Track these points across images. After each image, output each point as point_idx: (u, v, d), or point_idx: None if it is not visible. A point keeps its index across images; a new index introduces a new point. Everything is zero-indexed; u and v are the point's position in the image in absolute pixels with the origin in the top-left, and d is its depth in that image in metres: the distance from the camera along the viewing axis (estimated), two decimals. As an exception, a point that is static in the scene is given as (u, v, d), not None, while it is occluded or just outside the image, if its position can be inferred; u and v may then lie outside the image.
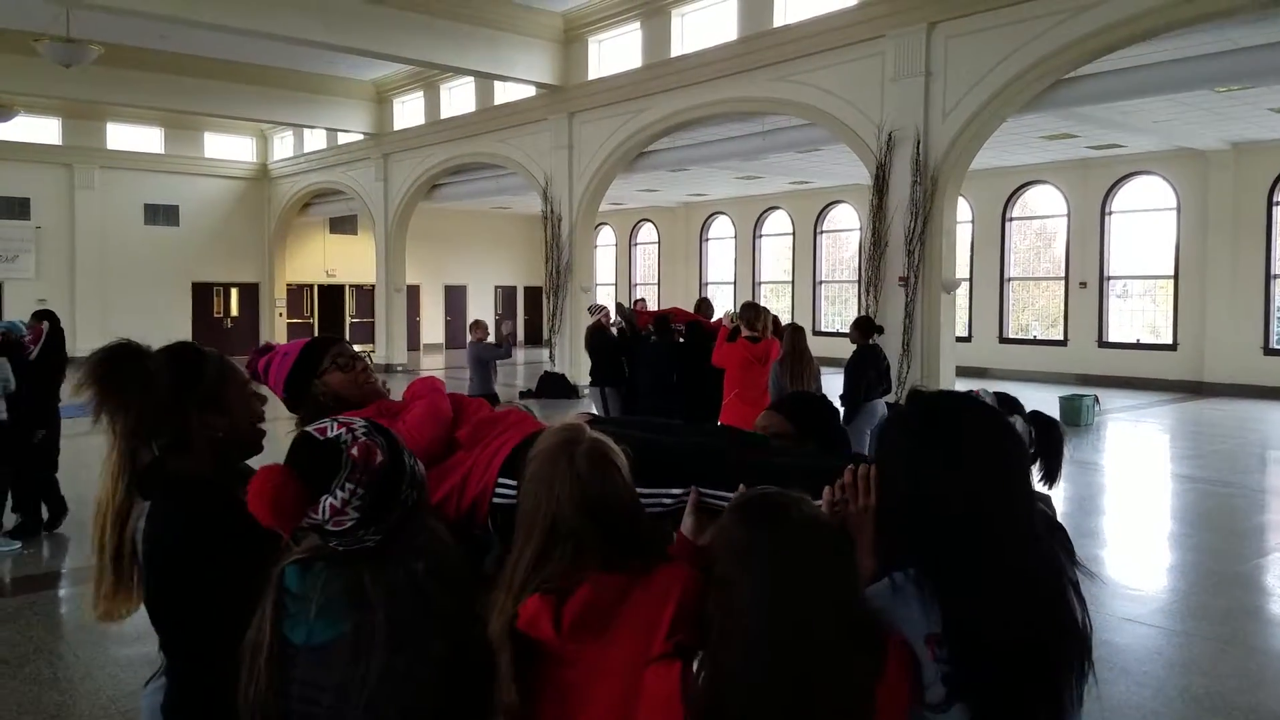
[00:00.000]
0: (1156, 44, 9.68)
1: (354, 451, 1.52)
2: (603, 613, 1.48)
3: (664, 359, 9.05)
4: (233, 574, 1.68)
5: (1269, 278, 15.88)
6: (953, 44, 10.90)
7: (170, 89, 18.18)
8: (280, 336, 25.52)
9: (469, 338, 10.56)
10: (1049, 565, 1.50)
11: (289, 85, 19.21)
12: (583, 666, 1.50)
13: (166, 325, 23.40)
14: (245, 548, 1.65)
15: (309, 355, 2.32)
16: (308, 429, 1.59)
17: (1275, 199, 15.81)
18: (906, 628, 1.41)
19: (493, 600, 1.54)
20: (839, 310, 22.31)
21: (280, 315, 25.62)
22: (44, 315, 7.20)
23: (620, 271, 28.03)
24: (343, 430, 1.56)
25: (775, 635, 1.31)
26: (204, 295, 24.58)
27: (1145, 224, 17.53)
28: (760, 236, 24.05)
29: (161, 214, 23.70)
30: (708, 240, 25.65)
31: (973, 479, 1.42)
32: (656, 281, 26.79)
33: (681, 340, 9.14)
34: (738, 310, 8.36)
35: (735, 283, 24.35)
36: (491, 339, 10.41)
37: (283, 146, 25.15)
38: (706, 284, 25.55)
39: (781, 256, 23.76)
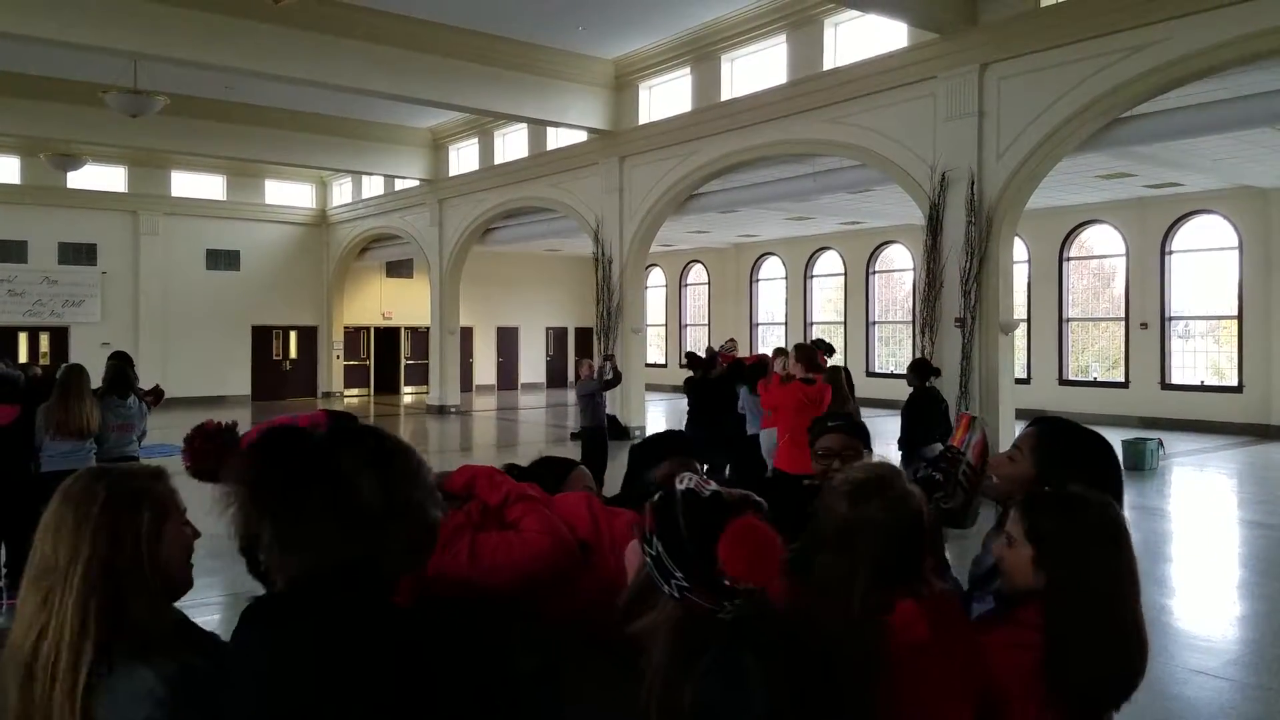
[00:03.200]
0: (1214, 82, 9.55)
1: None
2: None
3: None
4: None
5: (1339, 317, 15.40)
6: (1006, 84, 10.87)
7: (233, 138, 18.80)
8: (338, 378, 26.02)
9: (577, 377, 11.74)
10: None
11: (348, 133, 19.78)
12: (936, 653, 1.72)
13: (227, 368, 24.03)
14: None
15: None
16: (695, 488, 1.48)
17: (1344, 237, 15.38)
18: None
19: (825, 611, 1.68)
20: (893, 351, 22.09)
21: (338, 357, 26.09)
22: (117, 355, 7.41)
23: (671, 312, 28.12)
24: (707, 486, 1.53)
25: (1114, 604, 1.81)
26: (263, 338, 25.15)
27: (1206, 263, 17.14)
28: (811, 277, 23.98)
29: (223, 259, 24.39)
30: (758, 281, 25.66)
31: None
32: (707, 322, 26.82)
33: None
34: (791, 351, 8.32)
35: (786, 323, 24.27)
36: (596, 375, 11.38)
37: (341, 192, 25.81)
38: (757, 325, 25.52)
39: (834, 297, 23.66)
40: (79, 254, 22.49)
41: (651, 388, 21.43)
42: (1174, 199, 16.77)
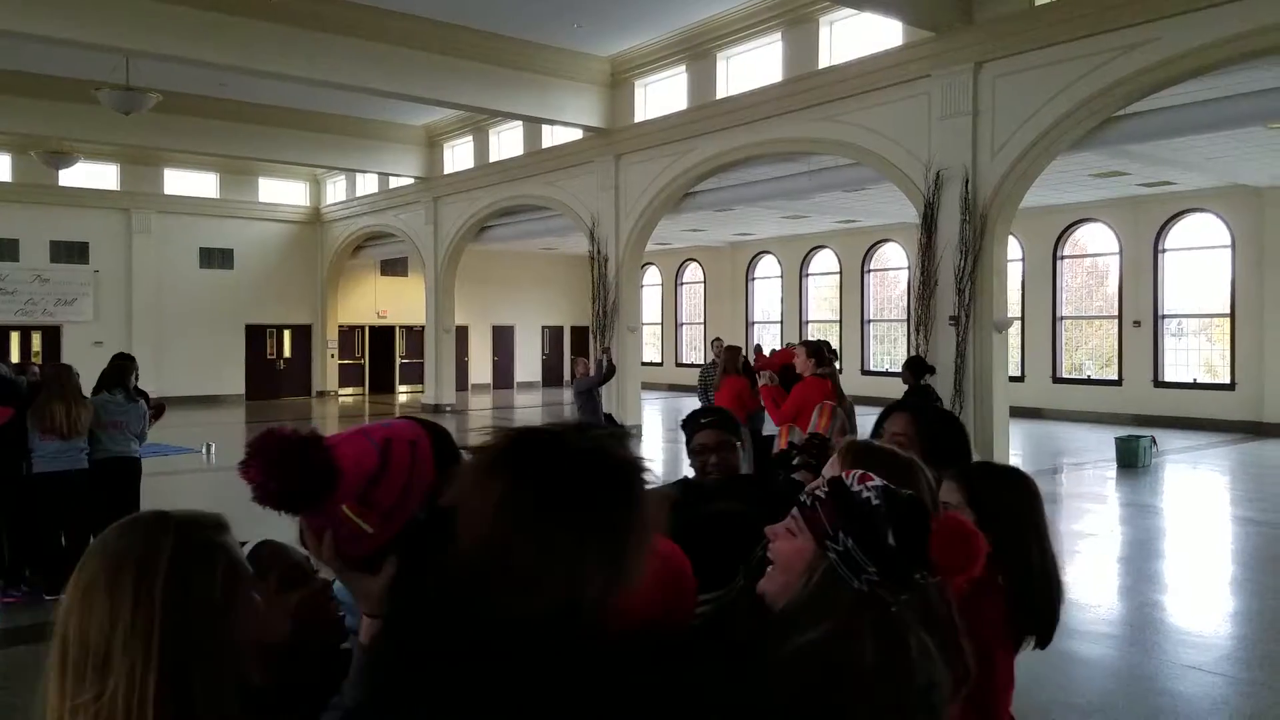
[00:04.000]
0: (1207, 80, 9.58)
1: None
2: None
3: None
4: None
5: (1331, 315, 15.48)
6: (1000, 83, 10.89)
7: (226, 135, 18.76)
8: (332, 377, 25.98)
9: (573, 375, 12.03)
10: None
11: (342, 131, 19.76)
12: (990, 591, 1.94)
13: (221, 367, 23.97)
14: None
15: None
16: (885, 486, 1.48)
17: (1336, 235, 15.46)
18: None
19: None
20: (888, 350, 22.13)
21: (332, 356, 26.06)
22: (121, 356, 7.37)
23: (667, 311, 28.14)
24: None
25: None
26: (258, 336, 25.10)
27: (1199, 261, 17.21)
28: (807, 275, 24.02)
29: (216, 257, 24.34)
30: (754, 279, 25.68)
31: None
32: (703, 321, 26.84)
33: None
34: (800, 349, 8.25)
35: (782, 322, 24.30)
36: (592, 371, 11.54)
37: (335, 190, 25.77)
38: (753, 323, 25.55)
39: (829, 295, 23.70)
40: (71, 252, 22.42)
41: (648, 386, 21.44)
42: (1167, 197, 16.83)
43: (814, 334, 22.86)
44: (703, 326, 26.63)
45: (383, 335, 27.06)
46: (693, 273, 27.55)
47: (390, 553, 1.28)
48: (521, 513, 1.11)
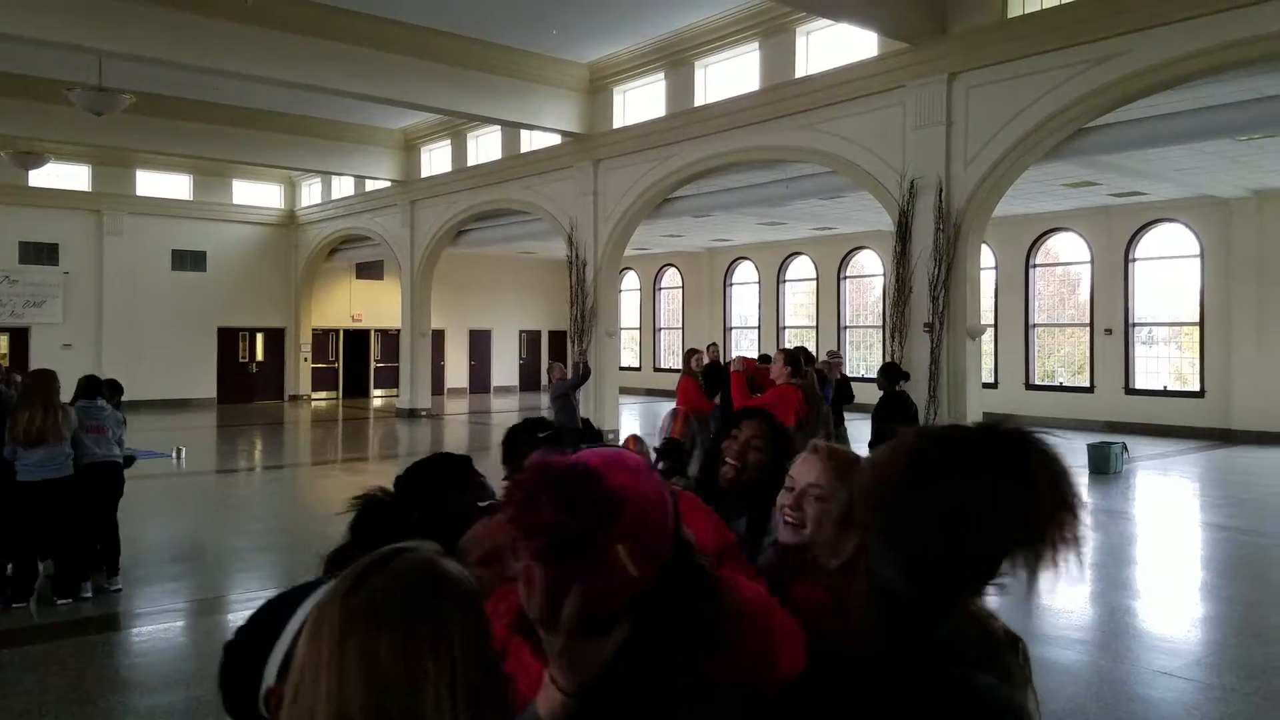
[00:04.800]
0: (1177, 93, 9.75)
1: None
2: None
3: None
4: None
5: (1296, 324, 15.76)
6: (974, 94, 11.02)
7: (200, 137, 18.58)
8: (306, 381, 25.78)
9: (550, 380, 12.01)
10: None
11: (318, 133, 19.64)
12: None
13: (192, 370, 23.73)
14: None
15: None
16: None
17: (1301, 246, 15.75)
18: None
19: None
20: (864, 355, 22.27)
21: (306, 360, 25.86)
22: (87, 379, 7.25)
23: (645, 316, 28.18)
24: None
25: None
26: (230, 340, 24.86)
27: (1169, 271, 17.47)
28: (784, 282, 24.15)
29: (189, 260, 24.09)
30: (731, 285, 25.78)
31: None
32: (681, 326, 26.90)
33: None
34: (784, 356, 8.28)
35: (760, 327, 24.41)
36: (570, 376, 11.67)
37: (310, 193, 25.59)
38: (731, 329, 25.64)
39: (805, 302, 23.83)
40: (40, 253, 22.10)
41: (626, 391, 21.42)
42: (1137, 208, 17.07)
43: (791, 340, 23.02)
44: (681, 331, 26.69)
45: (357, 339, 26.89)
46: (671, 278, 27.61)
47: (628, 610, 1.08)
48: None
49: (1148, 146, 11.00)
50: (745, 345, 23.97)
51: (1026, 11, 10.69)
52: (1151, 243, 17.58)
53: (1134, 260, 17.70)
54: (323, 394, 26.19)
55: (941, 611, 1.11)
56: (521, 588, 1.08)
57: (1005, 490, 1.05)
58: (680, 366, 11.79)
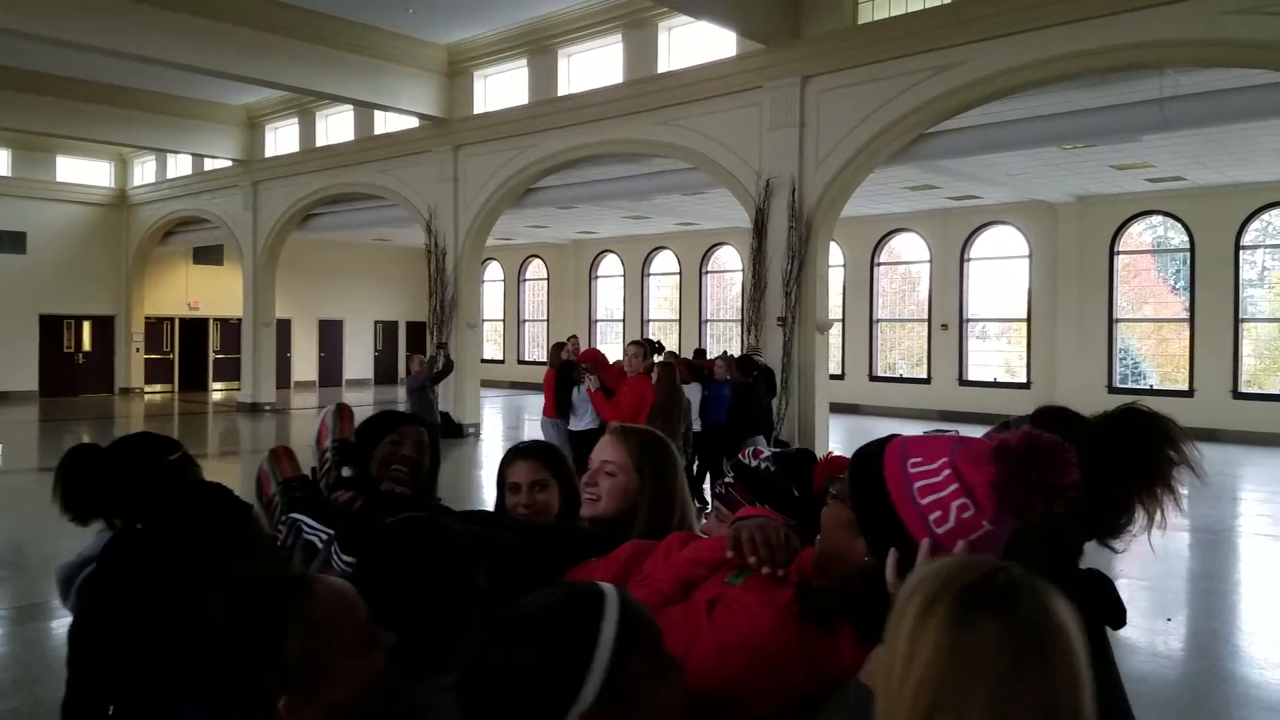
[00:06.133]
0: (1009, 103, 10.39)
1: None
2: None
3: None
4: None
5: (1111, 321, 17.13)
6: (824, 97, 11.41)
7: (18, 107, 17.13)
8: (138, 373, 24.22)
9: (408, 372, 11.76)
10: None
11: (152, 107, 18.40)
12: None
13: (10, 361, 21.89)
14: None
15: None
16: None
17: (1116, 248, 17.12)
18: None
19: None
20: (725, 348, 22.75)
21: (138, 350, 24.27)
22: None
23: (509, 307, 27.86)
24: None
25: None
26: (53, 328, 23.05)
27: (1000, 270, 18.68)
28: (649, 275, 24.41)
29: (6, 241, 22.18)
30: (597, 278, 25.83)
31: None
32: (546, 318, 26.75)
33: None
34: (630, 348, 8.37)
35: (625, 320, 24.58)
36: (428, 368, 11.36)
37: (144, 172, 24.01)
38: (596, 321, 25.69)
39: (669, 295, 24.17)
40: None
41: (488, 384, 21.14)
42: (972, 210, 18.16)
43: (654, 332, 23.32)
44: (546, 324, 26.55)
45: (195, 328, 25.43)
46: (536, 269, 27.40)
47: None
48: None
49: (982, 152, 11.70)
50: (611, 338, 24.12)
51: (876, 19, 11.15)
52: (985, 244, 18.74)
53: (969, 260, 18.83)
54: (157, 387, 24.67)
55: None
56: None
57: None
58: (545, 359, 11.77)
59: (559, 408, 9.07)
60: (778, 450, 1.82)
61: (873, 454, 1.30)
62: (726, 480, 1.81)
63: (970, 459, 1.20)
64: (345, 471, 2.27)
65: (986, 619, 0.96)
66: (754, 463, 1.78)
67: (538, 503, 2.25)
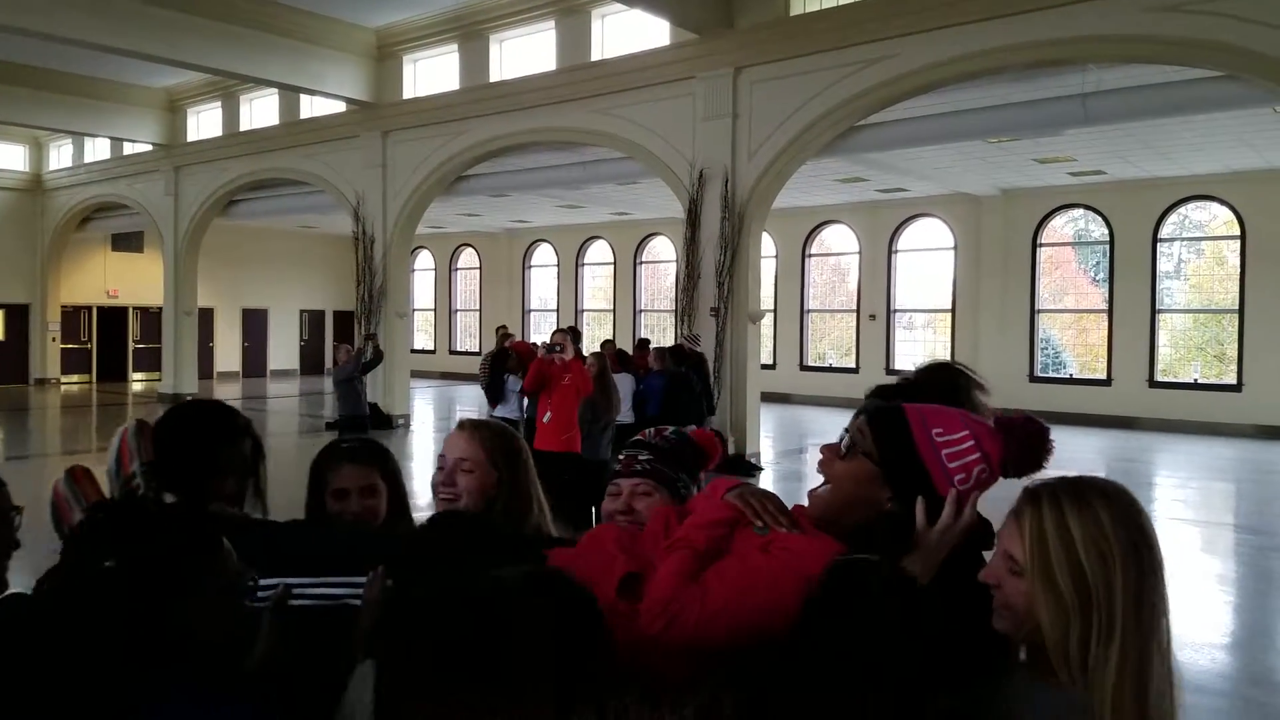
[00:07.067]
0: (937, 97, 10.58)
1: None
2: None
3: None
4: None
5: (1034, 312, 17.61)
6: (756, 89, 11.47)
7: (-77, 86, 16.34)
8: (54, 363, 23.35)
9: (335, 362, 11.30)
10: None
11: (68, 89, 17.67)
12: None
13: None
14: None
15: None
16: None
17: (1039, 240, 17.58)
18: None
19: None
20: (659, 338, 22.79)
21: (54, 340, 23.38)
22: None
23: (440, 297, 27.49)
24: None
25: None
26: (-40, 316, 22.09)
27: (927, 261, 19.06)
28: (583, 265, 24.30)
29: (-92, 224, 21.18)
30: (530, 267, 25.64)
31: None
32: (478, 308, 26.46)
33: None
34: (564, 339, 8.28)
35: (559, 310, 24.45)
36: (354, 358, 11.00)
37: (60, 156, 23.09)
38: (530, 311, 25.52)
39: (604, 285, 24.11)
40: None
41: (419, 375, 20.86)
42: (900, 203, 18.48)
43: (589, 323, 23.30)
44: (478, 314, 26.27)
45: (114, 317, 24.59)
46: (468, 258, 27.08)
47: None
48: None
49: (910, 145, 11.90)
50: (545, 328, 23.95)
51: (807, 11, 11.23)
52: (912, 236, 19.10)
53: (896, 252, 19.17)
54: (74, 377, 23.81)
55: None
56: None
57: None
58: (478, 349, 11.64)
59: (490, 394, 9.02)
60: (679, 429, 1.95)
61: (895, 420, 1.58)
62: (624, 453, 1.89)
63: (986, 435, 1.55)
64: (168, 498, 1.90)
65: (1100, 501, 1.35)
66: (657, 440, 1.88)
67: (367, 509, 2.09)
